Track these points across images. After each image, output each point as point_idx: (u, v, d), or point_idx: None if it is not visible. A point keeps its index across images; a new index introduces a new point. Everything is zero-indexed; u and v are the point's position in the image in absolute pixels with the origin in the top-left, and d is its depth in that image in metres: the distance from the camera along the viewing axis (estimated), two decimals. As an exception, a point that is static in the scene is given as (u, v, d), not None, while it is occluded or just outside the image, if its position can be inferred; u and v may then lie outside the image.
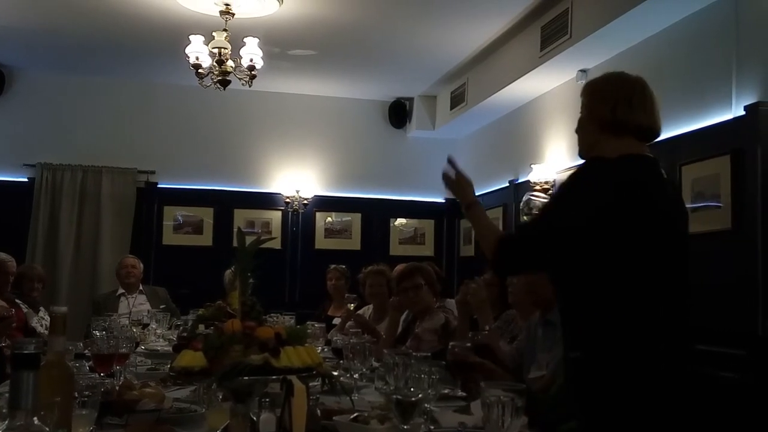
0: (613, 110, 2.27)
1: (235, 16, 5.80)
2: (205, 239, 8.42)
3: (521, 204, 2.63)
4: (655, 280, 2.17)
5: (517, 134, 7.52)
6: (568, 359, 2.28)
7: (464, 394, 2.71)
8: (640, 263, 2.15)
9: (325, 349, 3.86)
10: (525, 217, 2.63)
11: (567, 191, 2.25)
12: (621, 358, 2.13)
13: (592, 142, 2.34)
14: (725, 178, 4.41)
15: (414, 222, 9.03)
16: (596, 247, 2.14)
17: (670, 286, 2.21)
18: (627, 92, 2.29)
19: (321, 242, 8.73)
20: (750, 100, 4.30)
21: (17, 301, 5.25)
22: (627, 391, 2.11)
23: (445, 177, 2.61)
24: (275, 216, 8.62)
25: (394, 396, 1.92)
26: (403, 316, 4.51)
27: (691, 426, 2.19)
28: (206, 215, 8.46)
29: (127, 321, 4.53)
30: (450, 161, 2.61)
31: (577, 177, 2.24)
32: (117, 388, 2.53)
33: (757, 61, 4.32)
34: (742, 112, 4.34)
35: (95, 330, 3.41)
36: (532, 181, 6.66)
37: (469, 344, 2.98)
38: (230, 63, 5.68)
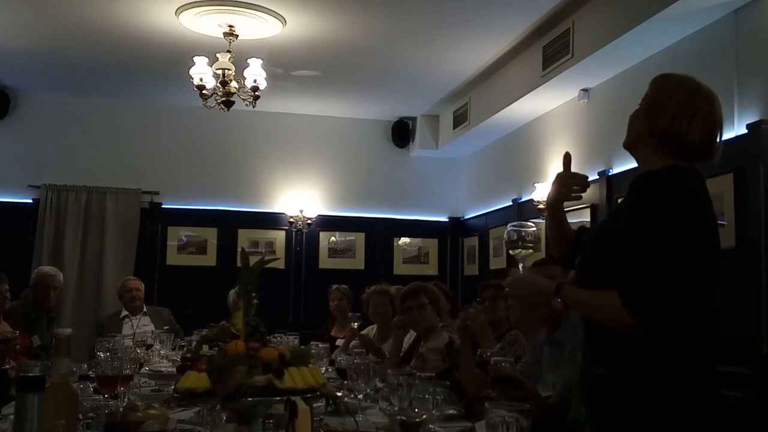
0: (671, 121, 2.13)
1: (238, 38, 5.85)
2: (209, 259, 8.42)
3: (512, 236, 2.46)
4: (700, 294, 2.04)
5: (519, 153, 7.54)
6: (590, 376, 2.19)
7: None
8: (693, 277, 2.02)
9: (329, 369, 3.85)
10: (521, 251, 2.46)
11: (672, 219, 2.04)
12: (651, 376, 2.02)
13: (638, 139, 2.22)
14: (728, 197, 4.41)
15: (418, 241, 9.03)
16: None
17: (708, 303, 2.07)
18: (692, 108, 2.14)
19: (325, 262, 8.72)
20: (752, 119, 4.31)
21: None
22: (656, 409, 2.01)
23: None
24: (279, 236, 8.62)
25: (399, 417, 1.92)
26: (407, 336, 4.50)
27: None
28: (210, 235, 8.47)
29: (131, 342, 4.52)
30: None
31: (669, 198, 2.08)
32: (121, 409, 2.52)
33: (759, 80, 4.34)
34: (745, 131, 4.34)
35: (99, 351, 3.41)
36: (535, 199, 6.67)
37: (512, 359, 2.95)
38: (234, 84, 5.72)
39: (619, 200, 4.38)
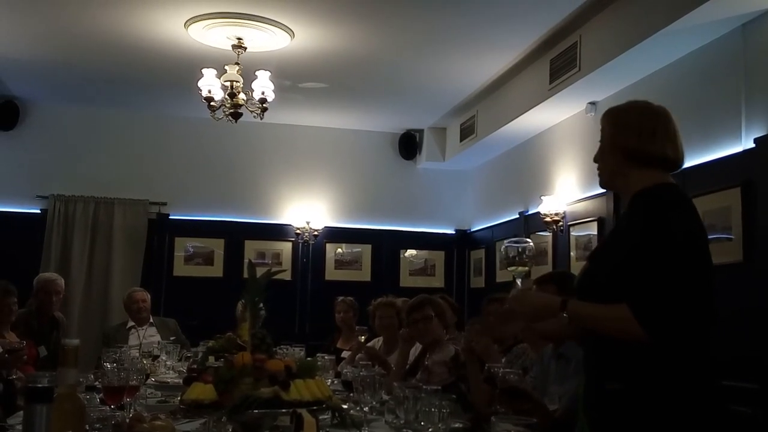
0: (638, 139, 2.22)
1: (247, 50, 5.87)
2: (216, 270, 8.44)
3: (511, 252, 2.47)
4: (704, 304, 2.13)
5: (526, 166, 7.54)
6: (603, 391, 2.18)
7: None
8: (701, 290, 2.12)
9: (335, 382, 3.85)
10: (518, 268, 2.48)
11: (675, 234, 2.10)
12: (661, 387, 2.06)
13: (616, 170, 2.28)
14: (736, 211, 4.40)
15: (424, 253, 9.02)
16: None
17: (710, 312, 2.15)
18: (651, 122, 2.25)
19: (331, 273, 8.73)
20: (760, 133, 4.31)
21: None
22: (664, 421, 2.04)
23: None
24: (286, 247, 8.63)
25: (404, 430, 1.92)
26: (413, 349, 4.49)
27: None
28: (217, 246, 8.49)
29: (138, 353, 4.52)
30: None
31: (667, 215, 2.14)
32: (127, 420, 2.52)
33: (766, 94, 4.33)
34: (752, 145, 4.34)
35: (106, 362, 3.41)
36: (542, 212, 6.67)
37: (520, 371, 2.95)
38: (242, 96, 5.73)
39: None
